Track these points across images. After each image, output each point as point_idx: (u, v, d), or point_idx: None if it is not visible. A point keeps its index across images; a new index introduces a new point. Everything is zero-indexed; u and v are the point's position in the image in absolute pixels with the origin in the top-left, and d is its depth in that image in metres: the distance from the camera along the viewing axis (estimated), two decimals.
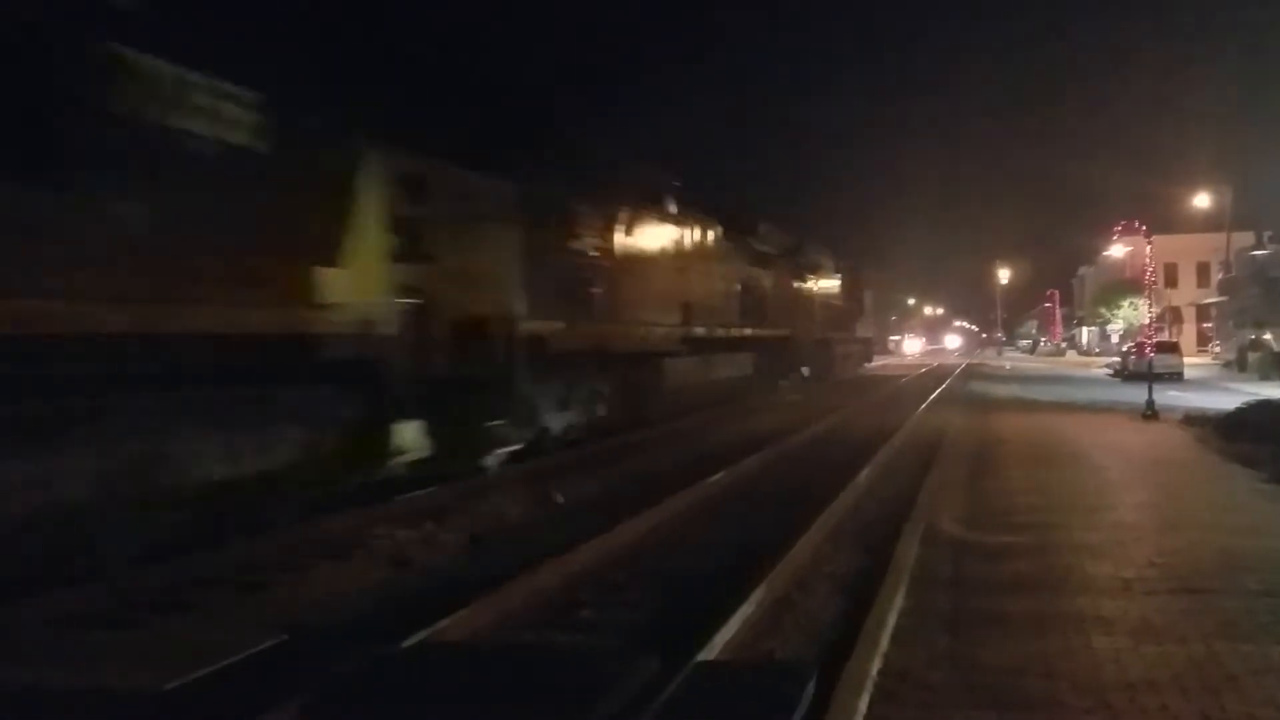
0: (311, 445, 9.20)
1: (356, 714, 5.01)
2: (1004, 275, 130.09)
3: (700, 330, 21.74)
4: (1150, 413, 21.56)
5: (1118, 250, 54.08)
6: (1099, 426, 20.39)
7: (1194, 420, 19.65)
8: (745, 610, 6.70)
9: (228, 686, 5.62)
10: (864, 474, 13.02)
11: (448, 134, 11.34)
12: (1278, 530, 9.30)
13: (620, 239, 17.05)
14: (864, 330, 53.57)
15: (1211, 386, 35.65)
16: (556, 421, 15.15)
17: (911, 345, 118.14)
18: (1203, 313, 71.03)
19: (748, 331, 26.52)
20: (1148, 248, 28.64)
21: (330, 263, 9.08)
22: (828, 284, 40.15)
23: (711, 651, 5.92)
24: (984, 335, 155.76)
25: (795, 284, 33.79)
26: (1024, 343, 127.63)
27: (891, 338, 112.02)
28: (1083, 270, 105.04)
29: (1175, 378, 37.87)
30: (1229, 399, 22.62)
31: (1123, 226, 30.91)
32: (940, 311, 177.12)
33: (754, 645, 6.50)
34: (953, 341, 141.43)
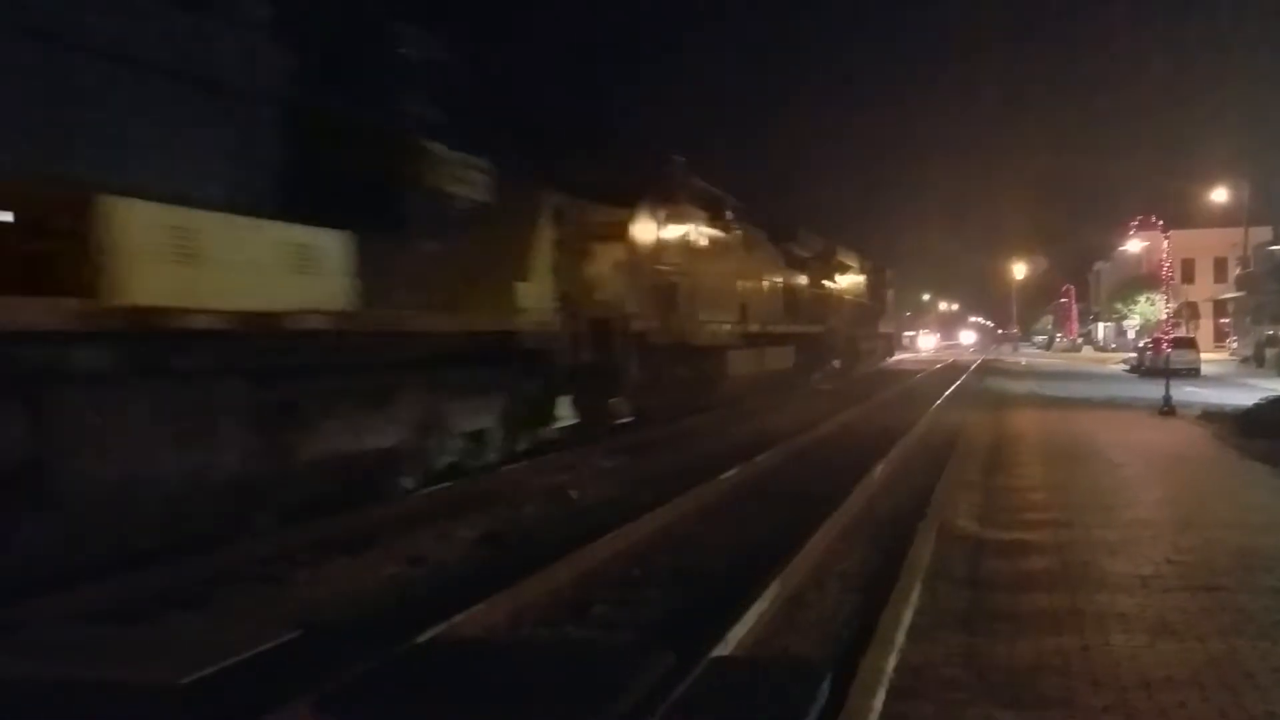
0: (507, 411, 12.63)
1: (370, 709, 5.02)
2: (1019, 271, 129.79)
3: (754, 327, 24.76)
4: (1167, 409, 21.45)
5: (1134, 245, 53.89)
6: (1115, 423, 20.30)
7: (1211, 417, 19.57)
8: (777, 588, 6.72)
9: (244, 681, 5.64)
10: (879, 468, 12.99)
11: (578, 177, 14.91)
12: None
13: (695, 250, 20.45)
14: (886, 326, 56.76)
15: (1229, 382, 35.48)
16: (653, 400, 18.03)
17: (926, 341, 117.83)
18: (1220, 308, 70.70)
19: (790, 328, 29.39)
20: (1165, 243, 28.52)
21: (522, 278, 12.29)
22: (855, 283, 43.05)
23: (729, 647, 5.90)
24: (999, 331, 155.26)
25: (827, 284, 36.67)
26: (1039, 338, 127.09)
27: (906, 333, 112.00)
28: (1099, 265, 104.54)
29: (1192, 374, 37.68)
30: (1247, 395, 22.53)
31: (1139, 221, 30.76)
32: (955, 307, 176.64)
33: (770, 642, 6.50)
34: (967, 337, 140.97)
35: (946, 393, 30.60)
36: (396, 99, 10.32)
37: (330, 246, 8.78)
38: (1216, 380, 36.93)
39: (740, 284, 24.35)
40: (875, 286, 48.77)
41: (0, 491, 6.39)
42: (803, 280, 32.41)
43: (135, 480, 7.18)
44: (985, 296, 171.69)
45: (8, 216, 6.45)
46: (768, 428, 18.77)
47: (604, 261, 15.84)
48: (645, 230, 17.99)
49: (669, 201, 19.20)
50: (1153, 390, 24.99)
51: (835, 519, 9.65)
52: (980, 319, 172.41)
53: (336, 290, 8.82)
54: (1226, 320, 68.95)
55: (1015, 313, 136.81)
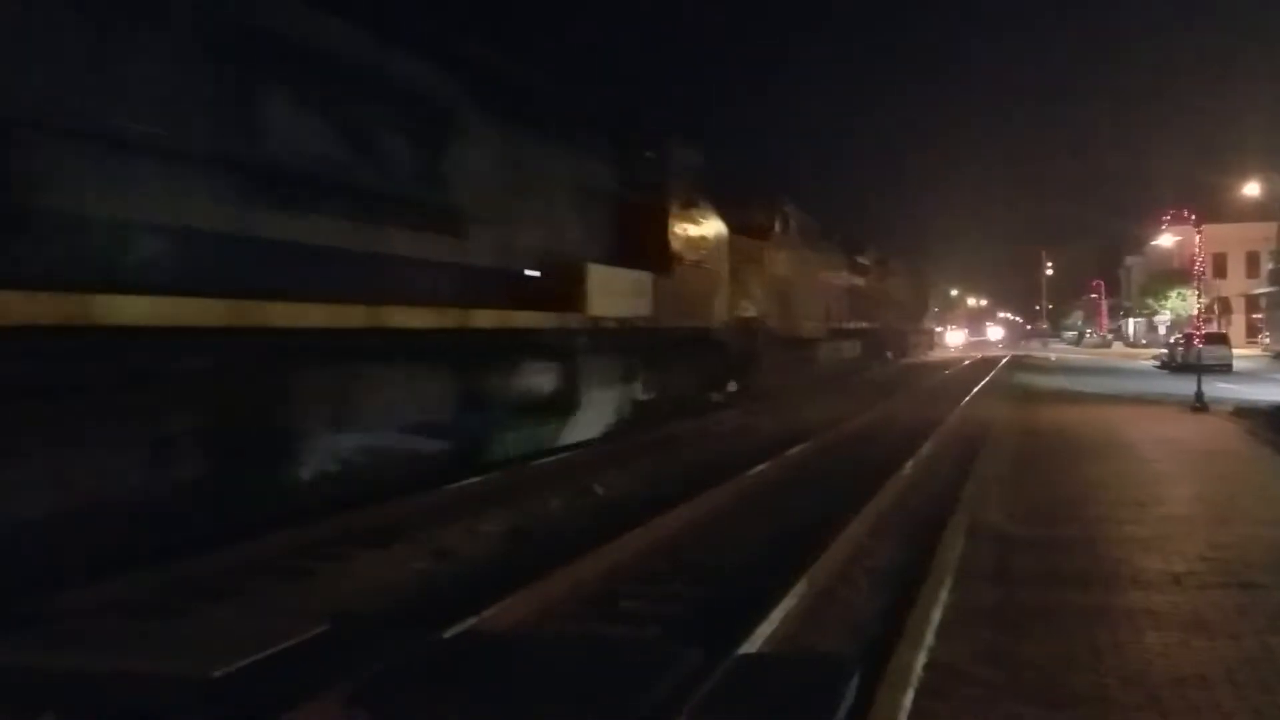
0: (700, 378, 19.28)
1: (398, 704, 5.03)
2: (1049, 265, 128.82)
3: (835, 324, 32.87)
4: (1199, 405, 21.23)
5: (1166, 240, 53.39)
6: (1147, 418, 20.12)
7: (1244, 412, 19.36)
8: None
9: (274, 674, 5.67)
10: (909, 464, 12.92)
11: (737, 219, 20.51)
12: None
13: (798, 266, 27.28)
14: (927, 323, 69.01)
15: (1262, 378, 35.10)
16: (772, 378, 24.15)
17: (954, 337, 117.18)
18: (1252, 303, 69.95)
19: (857, 325, 37.16)
20: (1197, 237, 28.22)
21: (715, 294, 18.77)
22: (902, 286, 51.73)
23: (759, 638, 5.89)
24: (1028, 326, 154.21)
25: (881, 287, 44.34)
26: (1069, 334, 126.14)
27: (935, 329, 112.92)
28: (1129, 260, 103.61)
29: (1224, 369, 37.31)
30: None
31: (1171, 215, 30.52)
32: (984, 303, 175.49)
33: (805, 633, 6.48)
34: (995, 333, 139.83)
35: (976, 388, 30.43)
36: (681, 192, 16.88)
37: (646, 281, 15.12)
38: (1249, 376, 36.54)
39: (824, 291, 31.96)
40: (918, 289, 58.86)
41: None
42: (865, 286, 39.62)
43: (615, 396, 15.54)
44: (1014, 292, 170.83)
45: (537, 273, 12.63)
46: (811, 419, 19.87)
47: (747, 278, 21.90)
48: (771, 256, 24.62)
49: (785, 232, 26.61)
50: (1184, 386, 24.74)
51: (866, 512, 9.62)
52: (1008, 315, 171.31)
53: (649, 306, 15.13)
54: (1259, 315, 68.21)
55: (1044, 308, 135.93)
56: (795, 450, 14.54)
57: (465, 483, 11.15)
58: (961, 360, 60.26)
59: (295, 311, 8.20)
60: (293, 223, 8.66)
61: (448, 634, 5.91)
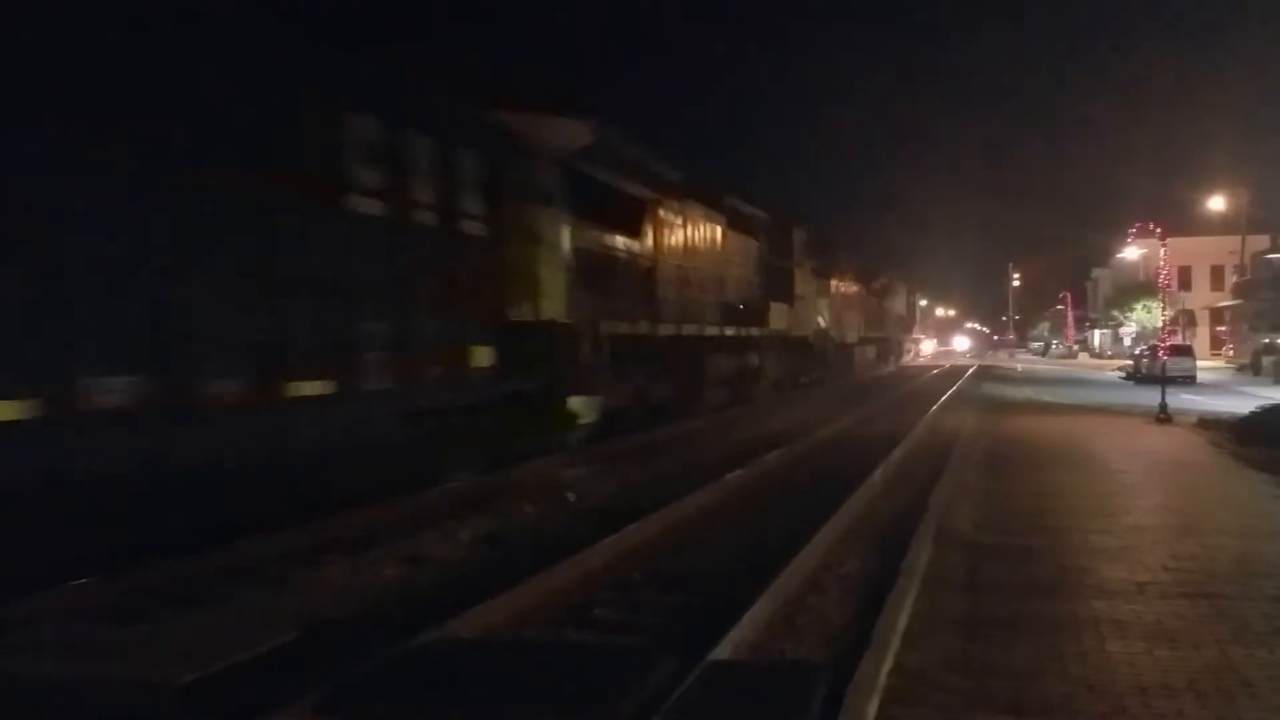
0: (804, 370, 34.96)
1: (370, 710, 5.03)
2: (1016, 277, 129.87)
3: (862, 335, 49.87)
4: (1164, 416, 21.48)
5: (1132, 252, 54.01)
6: (1112, 429, 20.34)
7: (1208, 424, 19.59)
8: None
9: (244, 681, 5.65)
10: (878, 473, 13.00)
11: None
12: None
13: (844, 289, 43.01)
14: (915, 333, 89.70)
15: (1225, 390, 35.52)
16: (832, 373, 38.44)
17: (925, 346, 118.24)
18: (1217, 316, 70.74)
19: (873, 335, 54.86)
20: (1162, 250, 28.57)
21: (785, 299, 32.12)
22: (900, 302, 72.46)
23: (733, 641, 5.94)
24: (995, 337, 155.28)
25: (887, 304, 62.92)
26: (1036, 345, 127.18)
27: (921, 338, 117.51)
28: (1096, 272, 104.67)
29: (1189, 381, 37.78)
30: (1243, 403, 22.56)
31: (1137, 228, 30.95)
32: (952, 313, 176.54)
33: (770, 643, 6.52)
34: (961, 343, 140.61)
35: (944, 397, 30.70)
36: (799, 256, 33.02)
37: (784, 309, 30.05)
38: (1213, 387, 36.98)
39: (856, 309, 48.55)
40: (910, 305, 79.54)
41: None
42: (877, 304, 57.43)
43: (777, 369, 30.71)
44: (982, 303, 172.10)
45: (743, 307, 25.90)
46: (794, 422, 20.42)
47: (819, 303, 37.54)
48: (833, 286, 40.89)
49: (838, 268, 42.76)
50: (1149, 397, 25.02)
51: (836, 519, 9.71)
52: (977, 325, 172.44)
53: (785, 323, 29.57)
54: (1223, 328, 68.97)
55: (1012, 319, 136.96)
56: (773, 455, 15.01)
57: (440, 488, 11.14)
58: (931, 369, 60.80)
59: (695, 329, 21.58)
60: (700, 296, 22.46)
61: (420, 640, 5.91)
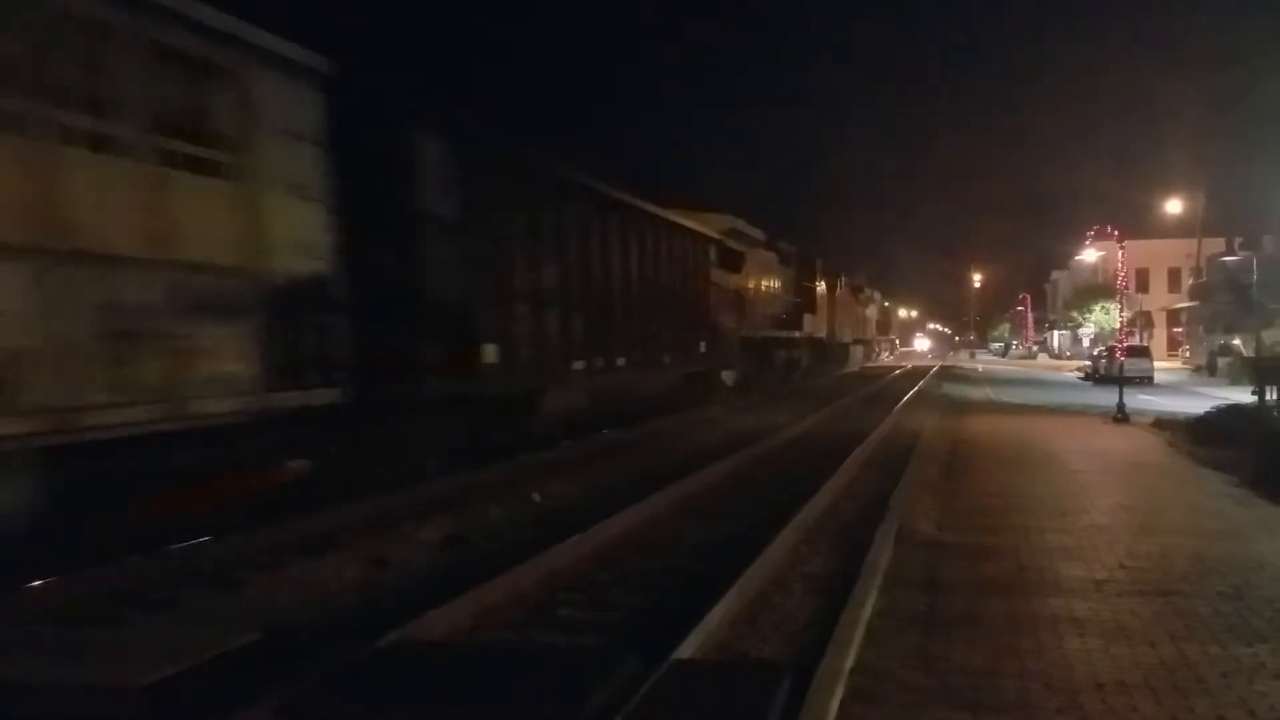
0: (818, 364, 45.79)
1: (331, 714, 5.01)
2: (977, 279, 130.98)
3: (854, 336, 62.90)
4: (1121, 416, 21.77)
5: (1090, 255, 54.59)
6: (1071, 429, 20.57)
7: (1165, 424, 19.86)
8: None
9: (204, 684, 5.60)
10: (841, 469, 13.08)
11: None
12: (1248, 534, 9.42)
13: (843, 298, 55.68)
14: (890, 335, 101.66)
15: (1182, 391, 36.01)
16: (833, 367, 51.51)
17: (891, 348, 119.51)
18: (1173, 317, 71.67)
19: (862, 336, 67.76)
20: (1120, 253, 28.89)
21: (812, 310, 43.97)
22: (877, 308, 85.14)
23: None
24: (957, 338, 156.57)
25: (868, 312, 75.35)
26: (996, 345, 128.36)
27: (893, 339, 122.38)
28: (1055, 274, 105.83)
29: (1146, 381, 38.30)
30: (1199, 403, 22.89)
31: (1096, 231, 31.21)
32: (915, 314, 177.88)
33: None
34: (922, 344, 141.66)
35: (906, 398, 30.95)
36: (818, 277, 45.22)
37: (809, 316, 41.65)
38: (1169, 388, 37.49)
39: (848, 314, 58.82)
40: (884, 310, 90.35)
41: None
42: (862, 311, 70.01)
43: (809, 363, 43.83)
44: (944, 304, 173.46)
45: (786, 315, 37.37)
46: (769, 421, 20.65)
47: (828, 310, 47.82)
48: (837, 298, 51.41)
49: (842, 282, 55.39)
50: (1107, 397, 25.34)
51: (801, 517, 9.78)
52: (938, 326, 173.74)
53: (811, 328, 41.89)
54: (1180, 329, 69.91)
55: (973, 320, 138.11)
56: (745, 451, 15.48)
57: (402, 490, 11.10)
58: (893, 370, 61.27)
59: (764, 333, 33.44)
60: (765, 310, 33.81)
61: (381, 643, 5.88)
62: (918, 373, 55.16)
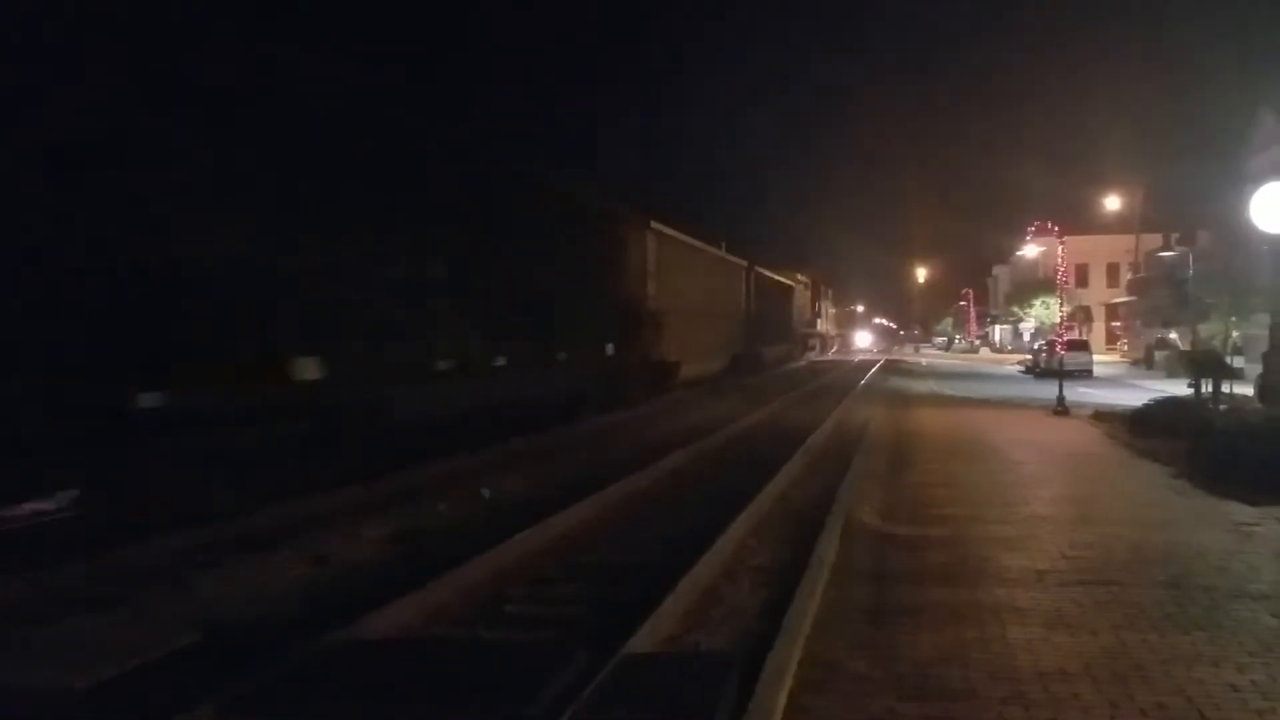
0: (792, 351, 60.26)
1: (275, 712, 4.95)
2: (921, 273, 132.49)
3: (821, 330, 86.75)
4: (1061, 408, 22.12)
5: (1031, 250, 55.39)
6: (1012, 422, 20.86)
7: (1103, 416, 20.18)
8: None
9: (146, 684, 5.52)
10: (790, 461, 13.15)
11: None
12: (1185, 524, 9.61)
13: (817, 300, 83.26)
14: (840, 330, 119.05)
15: (1120, 384, 36.64)
16: (808, 353, 72.17)
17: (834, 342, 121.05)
18: (1112, 312, 72.92)
19: (821, 330, 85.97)
20: (1060, 248, 29.37)
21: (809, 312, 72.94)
22: (830, 307, 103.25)
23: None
24: (901, 332, 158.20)
25: (826, 306, 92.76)
26: (940, 339, 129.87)
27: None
28: (997, 269, 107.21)
29: (1085, 375, 38.93)
30: (1137, 396, 23.29)
31: (1036, 227, 31.74)
32: (861, 308, 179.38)
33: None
34: (863, 339, 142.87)
35: (854, 390, 31.20)
36: (809, 289, 73.86)
37: (804, 319, 70.47)
38: (1108, 381, 38.13)
39: (815, 312, 79.54)
40: (840, 308, 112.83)
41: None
42: (823, 310, 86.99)
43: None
44: (888, 298, 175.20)
45: (780, 325, 54.43)
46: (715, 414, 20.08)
47: (808, 310, 73.05)
48: (817, 302, 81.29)
49: (818, 289, 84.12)
50: (1047, 390, 25.73)
51: (750, 511, 9.83)
52: (883, 320, 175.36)
53: (802, 326, 69.38)
54: (1118, 323, 71.10)
55: (917, 315, 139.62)
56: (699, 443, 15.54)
57: (347, 487, 10.98)
58: (840, 365, 61.78)
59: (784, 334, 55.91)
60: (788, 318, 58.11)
61: (326, 642, 5.82)
62: (865, 365, 55.67)
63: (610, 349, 20.41)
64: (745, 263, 40.50)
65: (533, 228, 16.42)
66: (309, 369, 10.06)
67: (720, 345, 34.13)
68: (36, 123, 7.61)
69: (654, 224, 24.77)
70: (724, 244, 37.51)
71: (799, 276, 66.22)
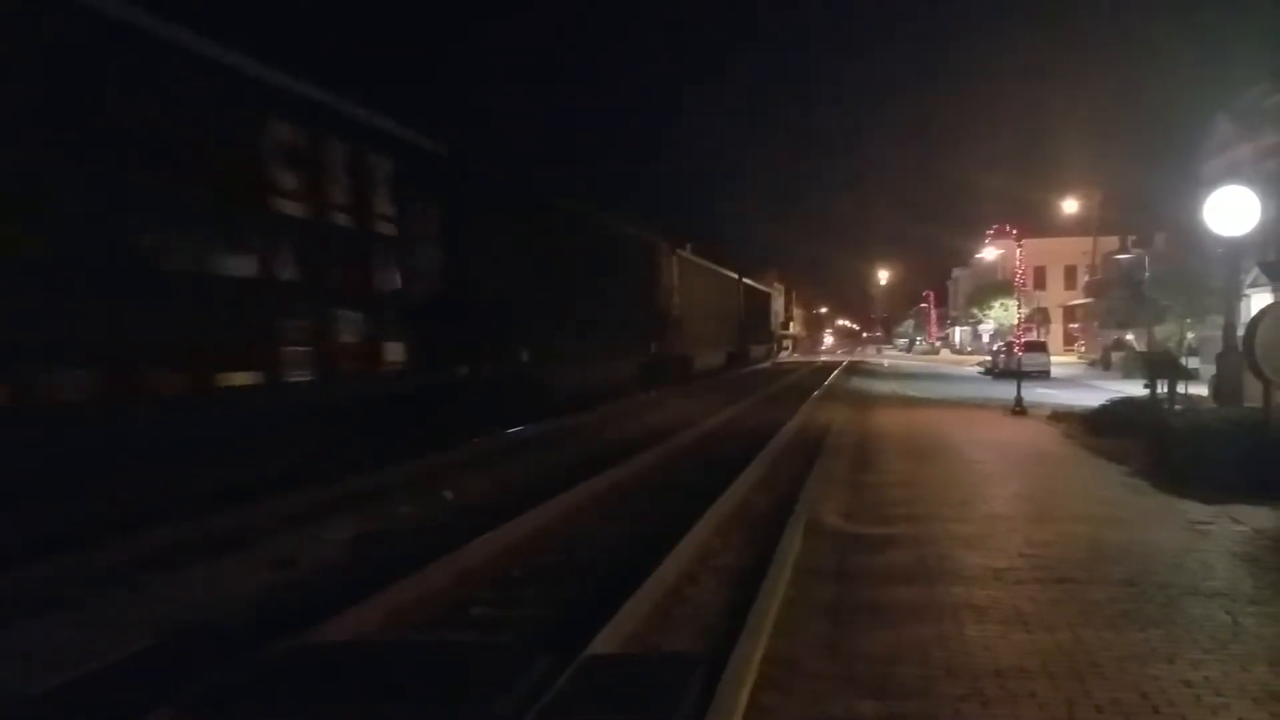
0: (769, 351, 72.13)
1: (235, 716, 4.91)
2: (883, 276, 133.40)
3: (795, 333, 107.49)
4: (1019, 409, 22.34)
5: (990, 253, 55.93)
6: (971, 422, 21.04)
7: (1061, 416, 20.39)
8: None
9: (104, 688, 5.47)
10: (755, 463, 13.23)
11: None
12: (1141, 522, 9.73)
13: (789, 307, 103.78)
14: (804, 332, 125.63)
15: (1077, 384, 37.02)
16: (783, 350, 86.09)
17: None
18: (1069, 313, 73.72)
19: (792, 333, 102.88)
20: (1018, 251, 29.68)
21: (782, 318, 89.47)
22: (798, 311, 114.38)
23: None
24: (864, 334, 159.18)
25: (795, 310, 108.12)
26: (901, 341, 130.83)
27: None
28: (957, 272, 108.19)
29: (1043, 375, 39.28)
30: (1094, 396, 23.56)
31: (995, 230, 32.05)
32: (824, 311, 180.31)
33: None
34: (827, 340, 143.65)
35: (816, 392, 31.35)
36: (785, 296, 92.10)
37: (781, 320, 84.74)
38: (1066, 382, 38.51)
39: (789, 316, 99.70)
40: (807, 313, 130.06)
41: None
42: (792, 313, 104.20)
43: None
44: (850, 300, 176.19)
45: (760, 328, 65.00)
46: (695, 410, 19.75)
47: (785, 317, 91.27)
48: (788, 309, 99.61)
49: (789, 297, 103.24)
50: (1006, 391, 25.96)
51: (714, 511, 9.92)
52: (846, 322, 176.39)
53: (779, 328, 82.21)
54: (1076, 325, 71.86)
55: (880, 316, 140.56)
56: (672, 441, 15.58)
57: (311, 489, 10.92)
58: (802, 367, 62.13)
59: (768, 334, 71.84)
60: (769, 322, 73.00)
61: (286, 645, 5.79)
62: (829, 367, 55.96)
63: (653, 347, 29.21)
64: (737, 275, 51.17)
65: (612, 264, 25.35)
66: (525, 355, 18.65)
67: (721, 343, 45.49)
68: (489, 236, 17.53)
69: (678, 251, 33.06)
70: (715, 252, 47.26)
71: (775, 284, 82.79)
